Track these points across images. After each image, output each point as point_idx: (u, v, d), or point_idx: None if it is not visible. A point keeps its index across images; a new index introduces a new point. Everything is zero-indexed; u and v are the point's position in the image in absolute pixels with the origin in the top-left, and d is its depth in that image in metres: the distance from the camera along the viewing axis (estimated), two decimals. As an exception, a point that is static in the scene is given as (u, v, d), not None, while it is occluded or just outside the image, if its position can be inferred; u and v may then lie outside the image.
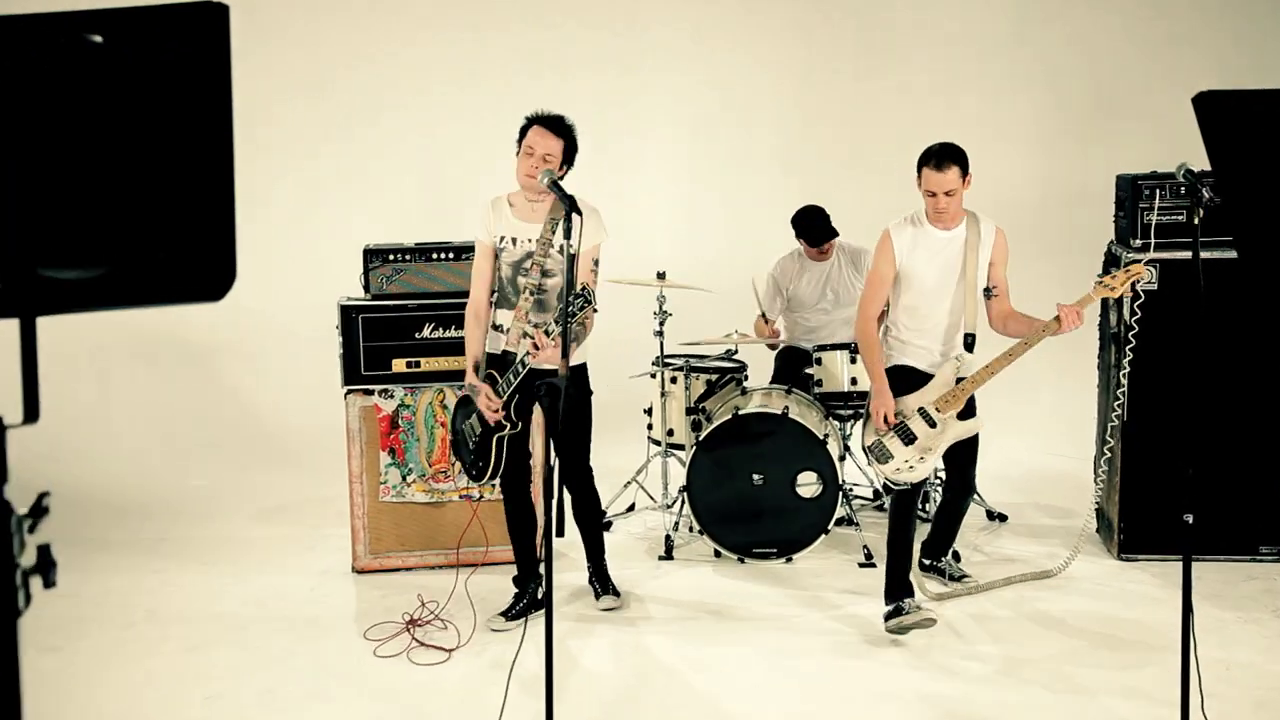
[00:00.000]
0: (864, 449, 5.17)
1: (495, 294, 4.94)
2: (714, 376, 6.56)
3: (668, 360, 6.62)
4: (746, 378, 6.67)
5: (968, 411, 5.10)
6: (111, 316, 8.26)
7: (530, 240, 4.81)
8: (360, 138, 8.56)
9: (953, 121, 8.82)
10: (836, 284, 6.73)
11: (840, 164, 8.72)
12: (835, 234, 6.68)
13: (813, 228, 6.64)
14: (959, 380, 5.06)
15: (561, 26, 8.71)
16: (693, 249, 8.53)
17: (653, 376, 6.62)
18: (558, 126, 4.74)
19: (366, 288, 5.96)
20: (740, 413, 5.98)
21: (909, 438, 5.04)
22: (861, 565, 5.92)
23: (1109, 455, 5.85)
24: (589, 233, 4.62)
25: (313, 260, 8.02)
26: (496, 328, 4.97)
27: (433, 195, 8.34)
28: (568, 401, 4.11)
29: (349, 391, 5.93)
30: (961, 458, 5.24)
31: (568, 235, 3.84)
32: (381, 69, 8.57)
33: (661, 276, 6.47)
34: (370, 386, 5.91)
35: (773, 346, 6.88)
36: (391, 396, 5.92)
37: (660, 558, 6.14)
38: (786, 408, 5.96)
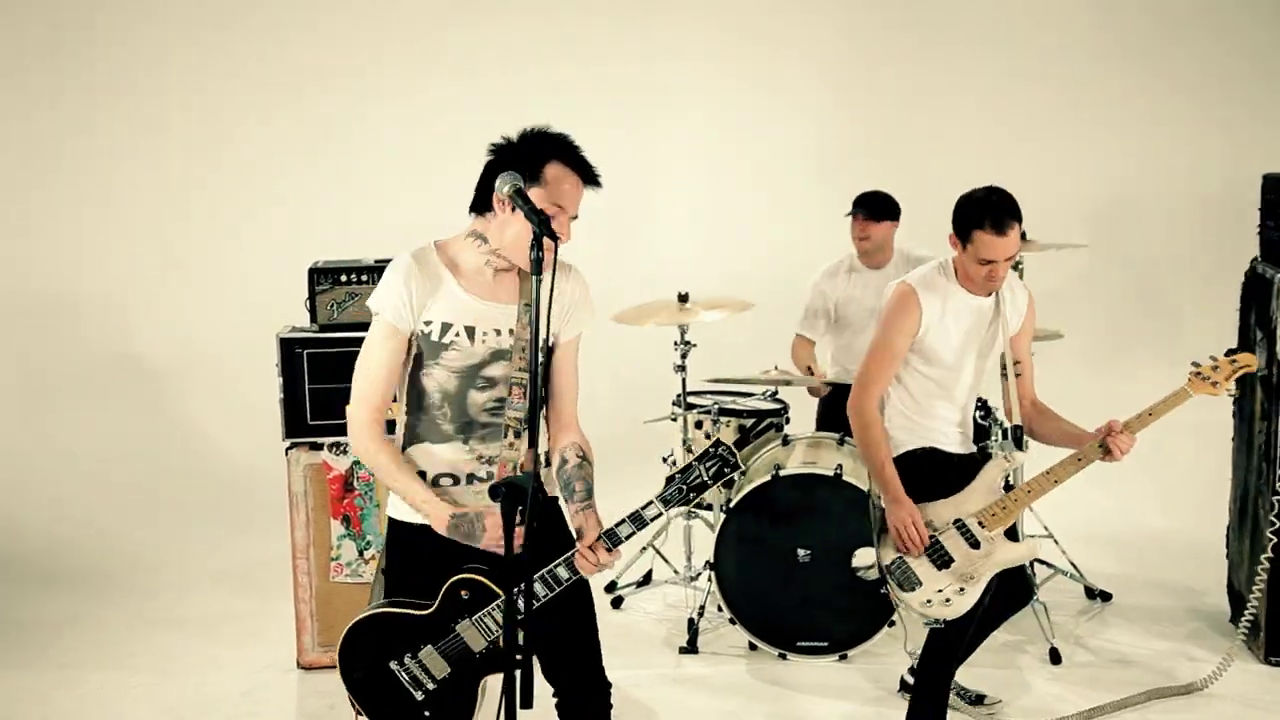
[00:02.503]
0: (880, 570, 3.84)
1: (409, 415, 3.01)
2: (749, 421, 5.34)
3: (692, 401, 5.41)
4: (788, 421, 5.46)
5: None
6: (46, 334, 7.14)
7: (499, 332, 2.95)
8: (343, 138, 7.38)
9: (1027, 111, 7.61)
10: None
11: (892, 163, 7.45)
12: (896, 215, 5.51)
13: (875, 201, 5.50)
14: (1008, 488, 3.80)
15: (564, 11, 7.50)
16: (720, 266, 7.27)
17: (673, 420, 5.41)
18: (594, 181, 2.93)
19: (313, 316, 4.78)
20: (781, 472, 4.77)
21: (943, 559, 3.72)
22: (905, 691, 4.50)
23: (1252, 530, 4.60)
24: (578, 314, 3.04)
25: (279, 278, 6.79)
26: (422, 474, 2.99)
27: (419, 204, 7.10)
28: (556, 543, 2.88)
29: (292, 445, 4.76)
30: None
31: (536, 271, 2.62)
32: (361, 62, 7.40)
33: (684, 300, 5.28)
34: (318, 439, 4.74)
35: (815, 392, 5.66)
36: (345, 452, 4.74)
37: (681, 649, 4.94)
38: (840, 466, 4.75)
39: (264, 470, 6.02)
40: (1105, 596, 5.38)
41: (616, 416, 5.65)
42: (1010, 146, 7.59)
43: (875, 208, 5.47)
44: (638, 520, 2.81)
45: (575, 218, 2.90)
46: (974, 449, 4.05)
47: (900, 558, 3.76)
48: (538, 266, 2.62)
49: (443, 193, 6.85)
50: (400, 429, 3.03)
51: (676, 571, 5.52)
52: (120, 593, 5.75)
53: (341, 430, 4.70)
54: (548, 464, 3.03)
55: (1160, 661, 4.72)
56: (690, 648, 4.94)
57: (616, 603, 5.45)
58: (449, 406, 2.94)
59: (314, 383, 4.72)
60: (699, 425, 5.33)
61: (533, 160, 2.84)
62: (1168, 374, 7.16)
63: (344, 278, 4.76)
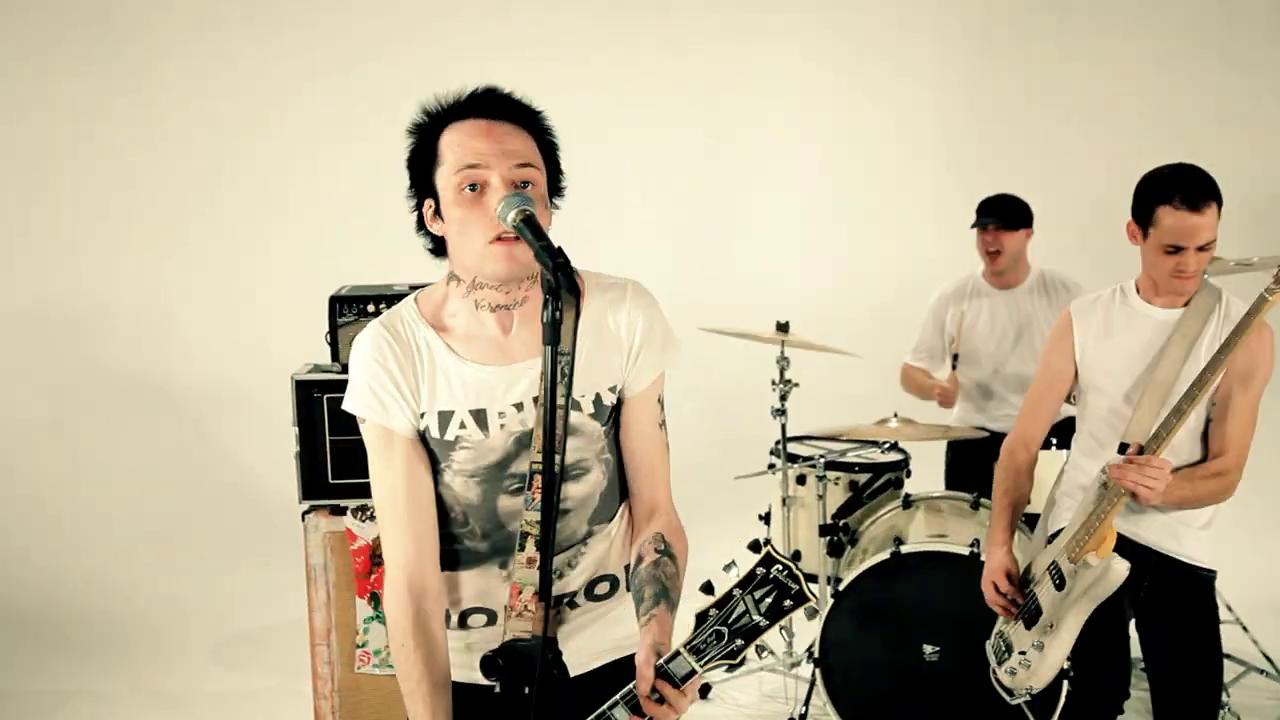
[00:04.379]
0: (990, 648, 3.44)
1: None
2: (863, 477, 4.43)
3: (793, 451, 4.52)
4: (909, 474, 4.54)
5: None
6: (76, 357, 6.46)
7: (520, 408, 2.03)
8: (375, 138, 6.59)
9: (1183, 103, 6.57)
10: (1028, 325, 4.65)
11: (1027, 167, 6.48)
12: (1029, 222, 4.67)
13: (1005, 206, 4.65)
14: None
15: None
16: (827, 290, 6.35)
17: (771, 470, 4.53)
18: (514, 110, 2.03)
19: (335, 354, 3.99)
20: (903, 549, 3.85)
21: (1032, 613, 3.17)
22: None
23: None
24: (648, 347, 2.07)
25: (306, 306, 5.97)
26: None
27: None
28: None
29: (310, 509, 3.96)
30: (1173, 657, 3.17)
31: (551, 340, 1.77)
32: (398, 49, 6.60)
33: (783, 329, 4.39)
34: (340, 502, 3.93)
35: (945, 398, 4.73)
36: (373, 518, 3.92)
37: (779, 760, 4.06)
38: (975, 542, 3.81)
39: (292, 520, 5.27)
40: (1305, 696, 4.37)
41: (702, 467, 4.81)
42: (1165, 146, 6.56)
43: (1006, 214, 4.61)
44: (668, 676, 1.86)
45: (524, 172, 1.96)
46: None
47: (1002, 627, 3.33)
48: (552, 332, 1.76)
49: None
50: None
51: (773, 654, 4.62)
52: (128, 659, 5.04)
53: (368, 492, 3.92)
54: (595, 595, 2.17)
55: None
56: (790, 758, 4.06)
57: (704, 690, 4.58)
58: (476, 522, 2.09)
59: (336, 434, 3.93)
60: (801, 481, 4.45)
61: (428, 141, 2.03)
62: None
63: (371, 307, 3.96)
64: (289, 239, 6.56)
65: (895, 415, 4.37)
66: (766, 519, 4.65)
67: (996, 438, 4.60)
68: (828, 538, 4.29)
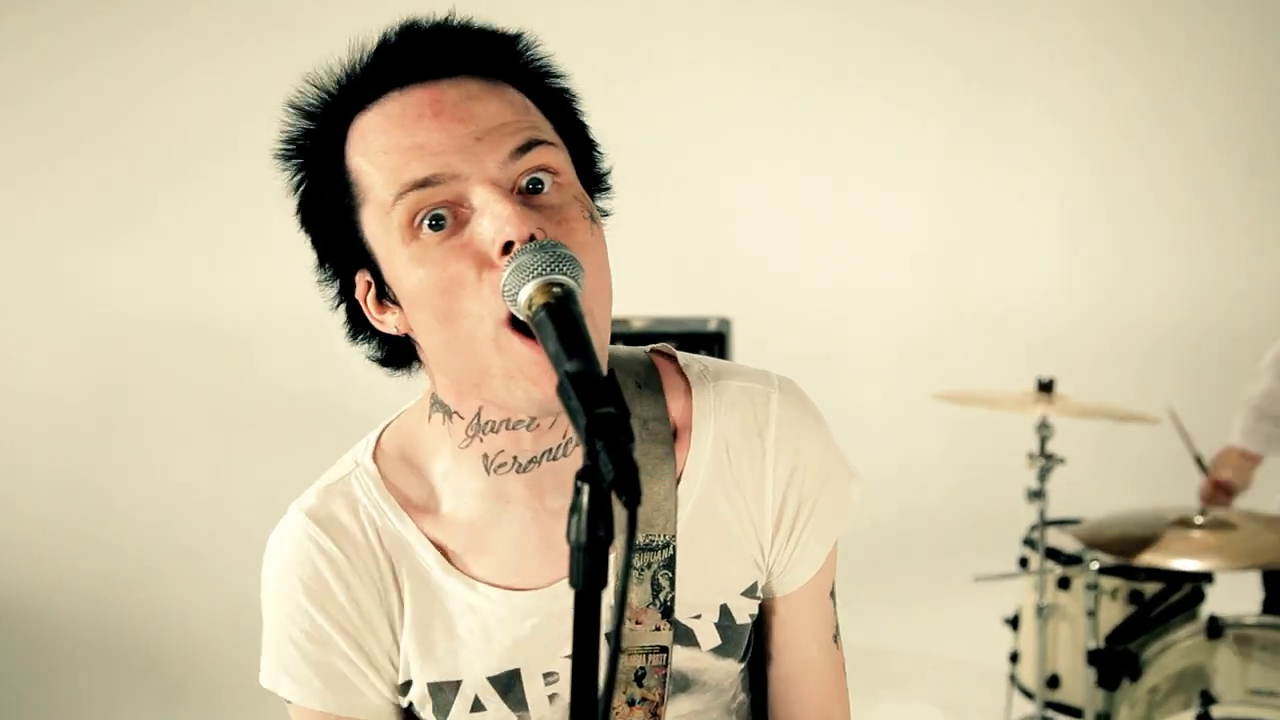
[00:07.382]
0: None
1: None
2: (1151, 587, 3.34)
3: (1054, 545, 3.47)
4: (1211, 580, 3.43)
5: None
6: (227, 374, 5.89)
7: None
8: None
9: None
10: None
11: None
12: None
13: None
14: None
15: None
16: (1099, 325, 5.16)
17: (1024, 568, 3.51)
18: (473, 49, 1.02)
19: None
20: (1214, 712, 2.77)
21: None
22: None
23: None
24: (815, 500, 1.15)
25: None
26: None
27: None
28: None
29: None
30: None
31: (588, 578, 0.83)
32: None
33: (1047, 389, 3.35)
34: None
35: (1212, 497, 3.60)
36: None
37: None
38: (1324, 706, 2.70)
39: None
40: None
41: (932, 554, 3.80)
42: None
43: None
44: None
45: (549, 173, 1.04)
46: None
47: None
48: (588, 563, 0.83)
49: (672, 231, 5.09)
50: None
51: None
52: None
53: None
54: None
55: None
56: None
57: None
58: None
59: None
60: (1064, 585, 3.41)
61: (325, 160, 1.09)
62: None
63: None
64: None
65: (1202, 512, 3.25)
66: (1015, 624, 3.62)
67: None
68: (1099, 666, 3.23)
